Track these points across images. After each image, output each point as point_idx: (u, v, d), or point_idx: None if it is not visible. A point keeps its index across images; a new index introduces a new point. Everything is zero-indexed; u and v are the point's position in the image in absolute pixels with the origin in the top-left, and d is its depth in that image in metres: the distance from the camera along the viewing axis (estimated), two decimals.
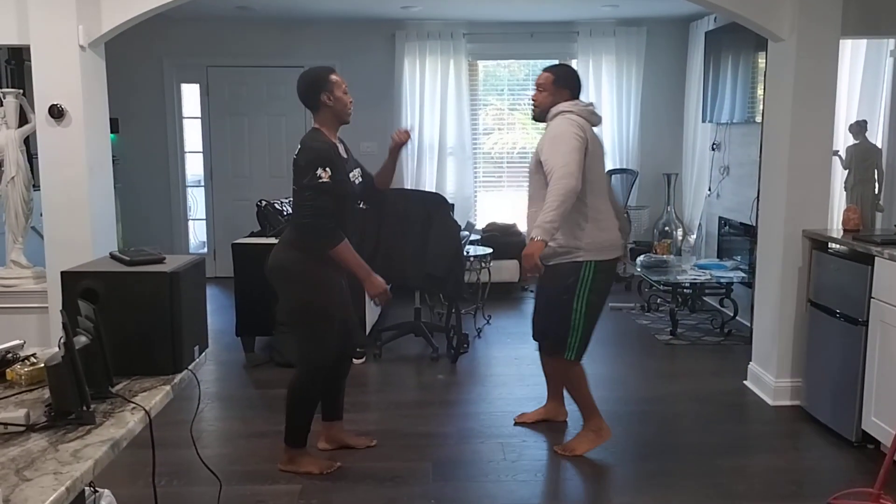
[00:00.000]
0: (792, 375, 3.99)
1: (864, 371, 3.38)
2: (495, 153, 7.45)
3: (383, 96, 7.08)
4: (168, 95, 7.31)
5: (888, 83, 4.30)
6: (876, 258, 3.31)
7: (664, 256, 5.97)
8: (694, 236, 6.87)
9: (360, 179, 3.20)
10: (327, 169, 2.93)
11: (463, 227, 5.72)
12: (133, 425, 1.58)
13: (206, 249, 7.60)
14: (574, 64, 7.17)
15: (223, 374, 4.64)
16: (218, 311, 5.67)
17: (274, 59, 7.18)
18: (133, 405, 1.66)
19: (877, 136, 4.16)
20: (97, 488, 2.18)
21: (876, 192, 3.94)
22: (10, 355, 1.87)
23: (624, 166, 7.15)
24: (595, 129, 3.33)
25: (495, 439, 3.61)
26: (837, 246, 3.73)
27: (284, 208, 5.50)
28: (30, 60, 3.68)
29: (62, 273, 1.88)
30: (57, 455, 1.40)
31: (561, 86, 3.34)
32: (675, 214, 7.05)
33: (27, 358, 1.86)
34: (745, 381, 4.33)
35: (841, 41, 3.86)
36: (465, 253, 5.04)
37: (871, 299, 3.33)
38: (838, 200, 4.32)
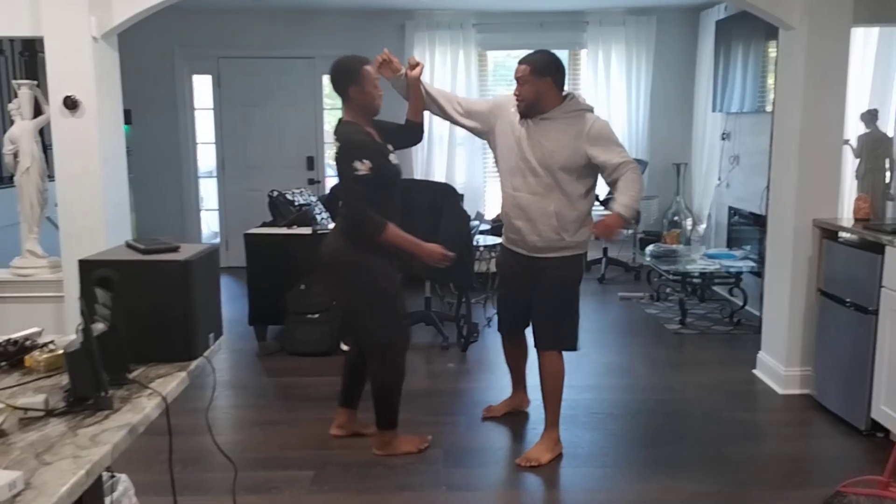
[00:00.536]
0: (802, 364, 4.00)
1: (874, 360, 3.38)
2: None
3: (393, 89, 7.08)
4: (180, 86, 7.34)
5: None
6: (886, 247, 3.30)
7: (673, 246, 5.96)
8: (703, 226, 6.85)
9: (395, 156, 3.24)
10: (364, 161, 2.97)
11: (472, 217, 5.74)
12: (150, 411, 1.61)
13: (218, 240, 7.64)
14: (583, 54, 7.16)
15: (236, 362, 4.69)
16: (230, 301, 5.72)
17: (285, 50, 7.19)
18: (150, 391, 1.69)
19: (888, 125, 4.14)
20: (114, 473, 2.22)
21: (887, 181, 3.92)
22: (28, 342, 1.90)
23: (634, 156, 7.08)
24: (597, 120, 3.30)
25: (504, 427, 3.63)
26: (848, 235, 3.72)
27: (296, 198, 5.54)
28: (43, 52, 3.71)
29: (79, 261, 1.91)
30: (76, 440, 1.43)
31: (540, 75, 3.16)
32: (684, 204, 7.04)
33: (45, 345, 1.90)
34: (754, 371, 4.34)
35: (852, 29, 3.84)
36: (474, 243, 5.05)
37: (882, 288, 3.33)
38: (849, 189, 4.30)
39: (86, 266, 1.90)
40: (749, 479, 3.12)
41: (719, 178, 6.47)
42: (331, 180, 7.34)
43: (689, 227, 6.89)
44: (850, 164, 4.17)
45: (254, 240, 5.01)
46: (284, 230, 5.10)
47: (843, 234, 3.76)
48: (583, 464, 3.28)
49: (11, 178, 4.02)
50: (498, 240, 5.75)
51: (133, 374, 1.78)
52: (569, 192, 3.19)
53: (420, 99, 3.38)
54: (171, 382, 1.76)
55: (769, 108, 5.16)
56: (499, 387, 4.07)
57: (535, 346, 3.36)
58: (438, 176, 7.11)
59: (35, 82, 3.99)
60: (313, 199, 5.83)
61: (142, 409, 1.60)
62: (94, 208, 3.74)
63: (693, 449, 3.40)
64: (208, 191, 7.75)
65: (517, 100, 3.22)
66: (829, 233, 3.83)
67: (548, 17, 7.02)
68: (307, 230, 5.04)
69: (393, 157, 3.19)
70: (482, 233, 5.90)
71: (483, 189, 7.29)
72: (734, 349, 4.85)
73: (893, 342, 3.27)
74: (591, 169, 3.20)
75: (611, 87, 7.06)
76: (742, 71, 5.87)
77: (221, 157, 7.49)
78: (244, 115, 7.38)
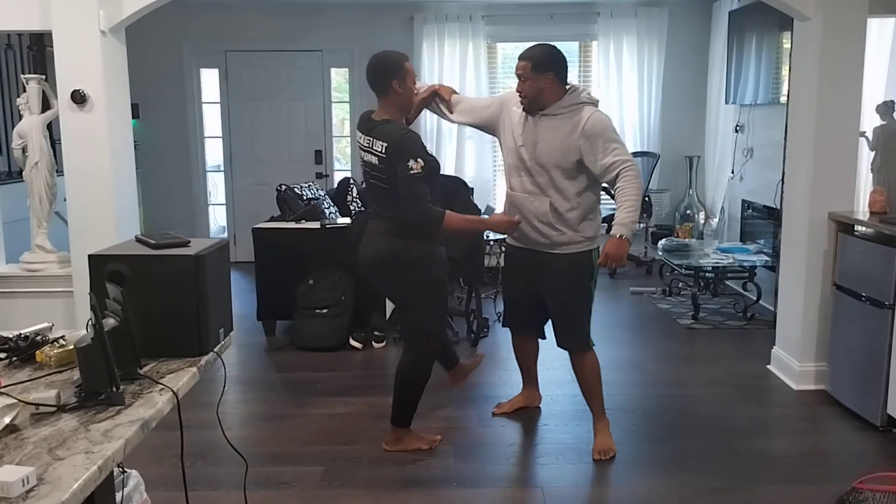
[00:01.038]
0: (816, 359, 3.95)
1: (890, 355, 3.34)
2: None
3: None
4: (188, 80, 7.33)
5: None
6: None
7: (686, 240, 5.92)
8: (716, 220, 6.80)
9: None
10: (418, 160, 2.95)
11: (482, 210, 5.71)
12: (162, 406, 1.60)
13: (226, 234, 7.64)
14: (594, 46, 7.11)
15: (245, 357, 4.68)
16: (239, 296, 5.65)
17: (292, 44, 7.17)
18: (161, 386, 1.67)
19: None
20: (125, 468, 2.21)
21: None
22: (39, 338, 1.89)
23: (645, 149, 7.08)
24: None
25: (516, 422, 3.61)
26: (864, 228, 3.68)
27: (304, 192, 5.52)
28: (52, 46, 3.70)
29: (90, 256, 1.90)
30: (88, 435, 1.42)
31: (541, 70, 3.08)
32: (697, 197, 6.99)
33: (56, 340, 1.89)
34: (768, 366, 4.30)
35: (868, 20, 3.78)
36: (484, 237, 5.03)
37: None
38: (864, 182, 4.25)
39: (96, 261, 1.89)
40: (762, 475, 3.09)
41: (732, 171, 6.42)
42: (339, 174, 7.32)
43: (702, 221, 6.84)
44: (865, 156, 4.11)
45: (262, 234, 4.99)
46: (293, 224, 5.08)
47: (858, 228, 3.71)
48: (593, 459, 3.25)
49: (20, 172, 4.01)
50: None
51: (144, 370, 1.77)
52: (565, 189, 3.12)
53: (418, 113, 3.45)
54: (182, 377, 1.75)
55: (783, 100, 5.11)
56: (510, 382, 4.05)
57: (563, 348, 3.36)
58: (448, 170, 7.07)
59: (43, 76, 3.98)
60: (322, 192, 5.81)
61: (154, 404, 1.58)
62: (103, 203, 3.73)
63: (705, 445, 3.37)
64: (216, 185, 7.74)
65: (520, 97, 3.16)
66: (844, 226, 3.78)
67: (558, 8, 6.97)
68: (316, 224, 5.03)
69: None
70: None
71: (492, 182, 7.26)
72: (748, 344, 4.81)
73: None
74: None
75: (622, 80, 7.01)
76: (756, 62, 5.82)
77: (229, 152, 7.49)
78: (252, 108, 7.37)
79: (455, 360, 3.67)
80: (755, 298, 5.48)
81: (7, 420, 1.43)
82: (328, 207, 5.53)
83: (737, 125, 6.31)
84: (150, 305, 1.84)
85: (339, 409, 3.78)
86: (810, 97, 3.83)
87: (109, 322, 1.65)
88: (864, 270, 3.55)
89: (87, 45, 3.63)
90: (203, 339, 1.91)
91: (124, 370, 1.66)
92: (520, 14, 6.98)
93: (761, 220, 5.89)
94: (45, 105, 3.93)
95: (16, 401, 1.48)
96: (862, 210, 3.95)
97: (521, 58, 3.16)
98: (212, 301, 1.95)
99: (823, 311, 3.91)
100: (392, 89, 3.02)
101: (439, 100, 3.43)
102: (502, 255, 3.53)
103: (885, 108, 3.88)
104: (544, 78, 3.09)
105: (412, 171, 2.93)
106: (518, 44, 7.21)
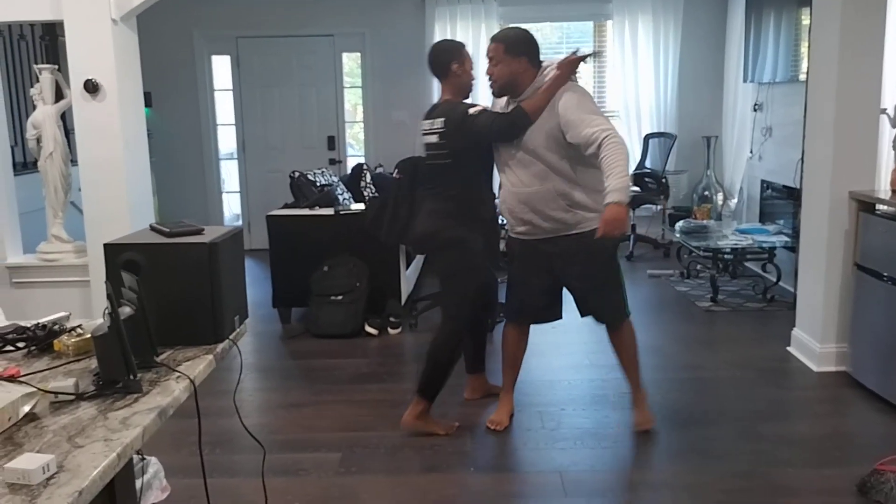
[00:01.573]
0: (837, 341, 3.91)
1: None
2: None
3: (414, 64, 7.01)
4: (199, 68, 7.32)
5: None
6: None
7: (704, 222, 5.86)
8: (735, 200, 6.72)
9: None
10: (474, 107, 3.15)
11: (496, 195, 5.66)
12: (179, 393, 1.59)
13: (240, 222, 7.66)
14: (609, 25, 7.02)
15: (261, 345, 4.69)
16: (253, 284, 5.72)
17: (304, 29, 7.14)
18: (178, 374, 1.67)
19: None
20: (144, 456, 2.22)
21: None
22: (56, 327, 1.89)
23: (662, 130, 7.00)
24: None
25: (534, 408, 3.60)
26: (885, 207, 3.61)
27: (317, 179, 5.50)
28: (64, 36, 3.69)
29: (105, 245, 1.89)
30: (106, 423, 1.42)
31: (514, 54, 3.04)
32: (715, 178, 6.91)
33: (73, 329, 1.89)
34: (788, 348, 4.26)
35: None
36: (499, 221, 4.99)
37: None
38: (886, 160, 4.17)
39: (111, 250, 1.88)
40: (783, 457, 3.06)
41: (751, 151, 6.33)
42: (352, 160, 7.30)
43: (720, 202, 6.77)
44: (887, 133, 4.04)
45: (276, 221, 4.99)
46: (307, 211, 5.08)
47: (880, 207, 3.65)
48: (612, 444, 3.23)
49: (35, 163, 4.03)
50: None
51: (161, 358, 1.76)
52: (563, 170, 3.05)
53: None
54: (198, 365, 1.74)
55: (802, 77, 5.02)
56: (525, 367, 4.02)
57: (602, 322, 3.33)
58: None
59: (56, 67, 3.98)
60: (335, 179, 5.79)
61: (171, 391, 1.58)
62: (117, 192, 3.74)
63: (726, 428, 3.34)
64: (229, 173, 7.75)
65: (490, 81, 3.13)
66: (865, 205, 3.72)
67: None
68: (329, 211, 5.02)
69: None
70: None
71: None
72: (767, 326, 4.76)
73: None
74: None
75: (638, 60, 6.92)
76: (774, 39, 5.71)
77: (242, 139, 7.48)
78: (264, 95, 7.36)
79: (480, 366, 3.74)
80: (775, 280, 5.42)
81: (27, 409, 1.43)
82: (342, 194, 5.51)
83: (755, 104, 6.22)
84: (165, 294, 1.83)
85: (355, 396, 3.78)
86: (830, 74, 3.76)
87: (125, 311, 1.65)
88: (886, 250, 3.49)
89: (98, 34, 3.62)
90: (218, 327, 1.90)
91: (141, 358, 1.66)
92: None
93: (781, 201, 5.82)
94: (59, 95, 3.93)
95: (35, 389, 1.48)
96: (883, 188, 3.88)
97: (493, 39, 3.14)
98: (226, 288, 1.94)
99: (844, 292, 3.85)
100: (451, 71, 3.21)
101: None
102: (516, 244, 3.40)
103: None
104: (518, 62, 3.06)
105: (475, 116, 3.10)
106: (532, 24, 7.16)
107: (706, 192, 6.84)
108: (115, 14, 3.63)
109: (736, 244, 5.47)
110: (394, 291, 4.90)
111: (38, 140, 3.91)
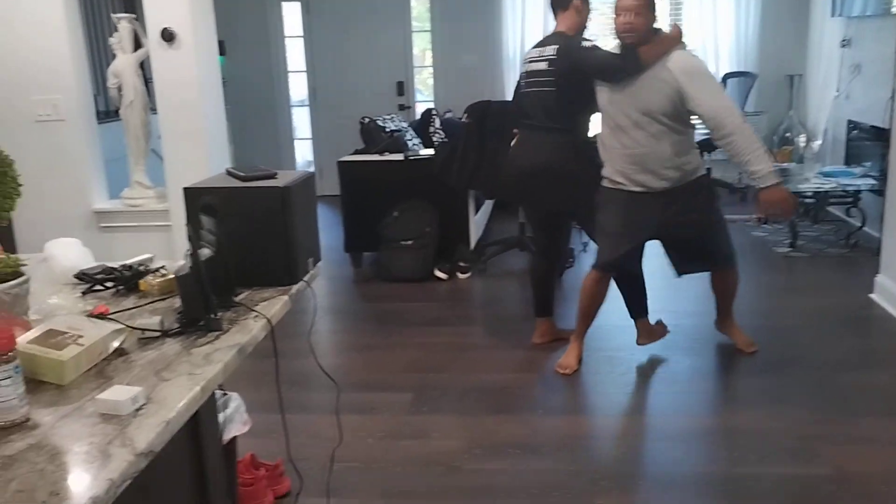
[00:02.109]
0: None
1: None
2: None
3: (483, 7, 6.86)
4: (270, 15, 7.37)
5: None
6: None
7: (785, 164, 5.63)
8: (818, 142, 6.40)
9: None
10: (587, 40, 3.23)
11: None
12: (257, 332, 1.65)
13: (312, 168, 7.78)
14: None
15: (333, 288, 4.81)
16: (326, 229, 5.82)
17: None
18: (255, 314, 1.73)
19: None
20: (226, 391, 2.32)
21: None
22: (142, 268, 1.98)
23: (741, 69, 6.69)
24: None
25: (603, 352, 3.59)
26: None
27: (387, 125, 5.51)
28: None
29: (184, 189, 1.95)
30: (190, 358, 1.48)
31: (652, 9, 3.04)
32: (797, 119, 6.58)
33: (157, 270, 1.97)
34: (871, 295, 4.09)
35: None
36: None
37: None
38: None
39: (190, 193, 1.94)
40: (860, 407, 2.97)
41: (837, 90, 5.99)
42: (421, 105, 7.27)
43: (803, 144, 6.46)
44: None
45: (347, 167, 5.05)
46: (377, 157, 5.11)
47: None
48: (684, 389, 3.20)
49: (117, 111, 4.16)
50: None
51: (239, 298, 1.83)
52: (678, 129, 3.09)
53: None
54: (275, 305, 1.80)
55: (895, 10, 4.69)
56: (607, 310, 4.00)
57: (717, 268, 3.45)
58: None
59: (134, 16, 4.07)
60: (404, 124, 5.79)
61: (249, 330, 1.64)
62: (195, 138, 3.84)
63: (801, 376, 3.26)
64: (301, 120, 7.84)
65: (626, 31, 3.02)
66: None
67: None
68: (399, 156, 5.03)
69: None
70: None
71: None
72: (850, 273, 4.58)
73: None
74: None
75: None
76: None
77: (313, 86, 7.54)
78: (334, 41, 7.35)
79: (549, 309, 3.74)
80: (859, 225, 5.18)
81: (116, 344, 1.51)
82: (411, 139, 5.51)
83: (843, 40, 5.85)
84: (241, 236, 1.88)
85: (426, 338, 3.85)
86: None
87: (205, 252, 1.71)
88: None
89: None
90: (292, 269, 1.95)
91: (221, 298, 1.72)
92: None
93: (868, 142, 5.51)
94: (138, 44, 4.03)
95: (123, 326, 1.56)
96: None
97: None
98: (300, 231, 1.98)
99: None
100: (573, 5, 3.25)
101: None
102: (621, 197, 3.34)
103: None
104: (654, 16, 3.07)
105: (589, 48, 3.14)
106: None
107: (788, 134, 6.53)
108: None
109: (818, 187, 5.24)
110: (463, 236, 4.92)
111: (119, 89, 4.02)
